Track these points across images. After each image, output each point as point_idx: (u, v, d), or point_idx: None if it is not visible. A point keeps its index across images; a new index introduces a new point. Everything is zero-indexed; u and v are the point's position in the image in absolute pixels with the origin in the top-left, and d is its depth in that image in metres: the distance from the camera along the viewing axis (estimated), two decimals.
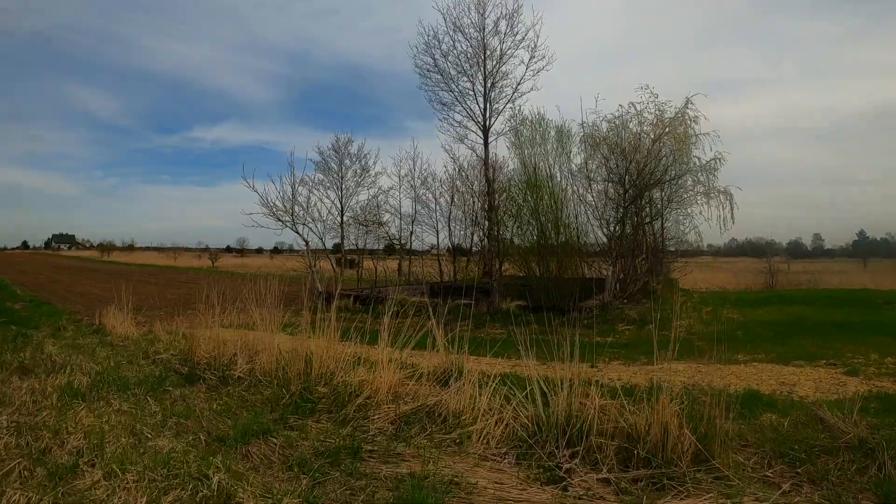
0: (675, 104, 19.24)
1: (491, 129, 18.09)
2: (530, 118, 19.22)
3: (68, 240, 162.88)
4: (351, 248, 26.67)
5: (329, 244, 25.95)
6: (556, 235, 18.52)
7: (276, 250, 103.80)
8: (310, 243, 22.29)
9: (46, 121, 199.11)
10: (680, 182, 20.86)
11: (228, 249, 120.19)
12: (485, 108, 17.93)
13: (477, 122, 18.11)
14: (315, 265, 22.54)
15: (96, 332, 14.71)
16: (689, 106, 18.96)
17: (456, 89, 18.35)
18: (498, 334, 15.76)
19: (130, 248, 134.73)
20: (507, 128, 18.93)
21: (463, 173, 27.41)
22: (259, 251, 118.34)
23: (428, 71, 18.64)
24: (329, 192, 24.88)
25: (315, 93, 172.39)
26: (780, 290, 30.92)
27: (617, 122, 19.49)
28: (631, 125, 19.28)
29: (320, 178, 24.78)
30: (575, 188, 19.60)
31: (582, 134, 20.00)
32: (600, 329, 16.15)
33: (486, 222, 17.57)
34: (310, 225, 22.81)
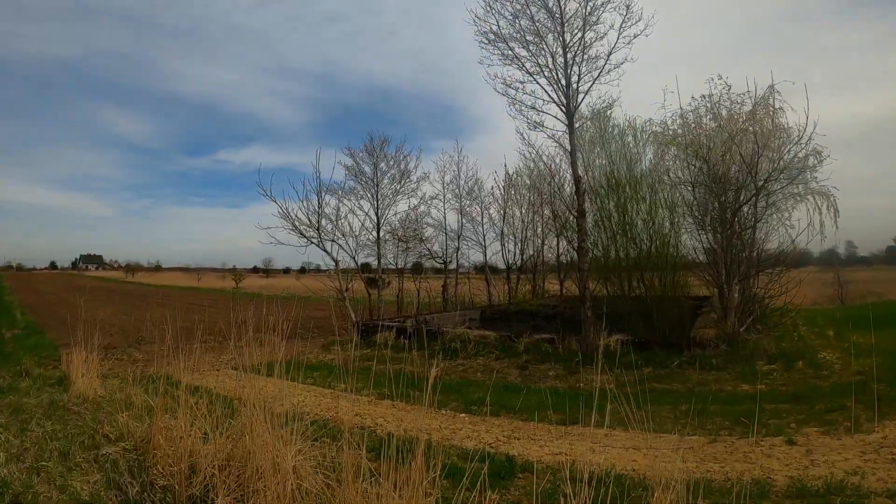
0: (755, 95, 14.78)
1: (576, 114, 13.59)
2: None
3: (96, 260, 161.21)
4: (389, 266, 22.28)
5: (361, 263, 21.65)
6: (654, 246, 13.99)
7: (302, 270, 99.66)
8: (340, 263, 17.95)
9: (78, 143, 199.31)
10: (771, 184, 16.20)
11: (255, 270, 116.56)
12: (567, 86, 13.43)
13: (559, 104, 13.63)
14: (348, 289, 18.11)
15: (60, 381, 11.25)
16: (775, 95, 14.36)
17: (530, 61, 13.90)
18: (603, 384, 11.20)
19: (157, 268, 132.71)
20: (598, 108, 14.42)
21: (532, 172, 23.08)
22: (286, 271, 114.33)
23: (492, 40, 14.06)
24: (362, 201, 20.53)
25: (342, 114, 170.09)
26: (879, 304, 26.16)
27: (691, 116, 15.07)
28: (705, 120, 14.85)
29: (351, 185, 20.49)
30: (660, 191, 15.13)
31: (650, 131, 15.60)
32: (738, 371, 11.58)
33: (577, 231, 13.06)
34: (339, 241, 18.46)
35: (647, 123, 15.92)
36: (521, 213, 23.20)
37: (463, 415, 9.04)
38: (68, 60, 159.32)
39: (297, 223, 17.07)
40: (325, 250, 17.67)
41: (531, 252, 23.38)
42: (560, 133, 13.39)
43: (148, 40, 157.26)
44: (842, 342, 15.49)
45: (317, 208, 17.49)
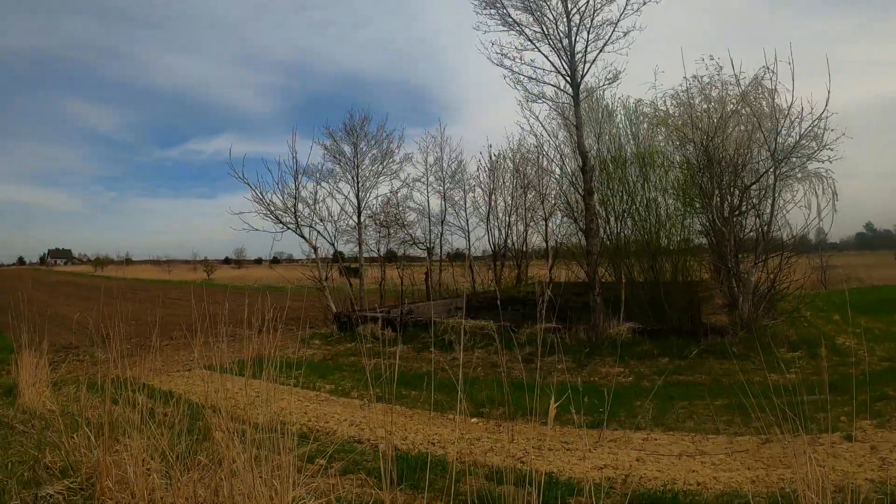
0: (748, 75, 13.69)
1: (581, 85, 12.16)
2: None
3: (65, 254, 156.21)
4: (371, 255, 20.81)
5: (345, 250, 20.17)
6: (664, 229, 12.77)
7: (275, 260, 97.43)
8: (318, 249, 16.45)
9: (46, 136, 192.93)
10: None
11: (227, 261, 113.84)
12: (571, 55, 12.02)
13: (564, 74, 12.20)
14: (328, 277, 16.64)
15: (8, 392, 9.69)
16: (769, 75, 13.25)
17: (530, 28, 12.44)
18: (619, 377, 9.99)
19: (127, 261, 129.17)
20: (603, 80, 12.99)
21: (516, 156, 21.70)
22: (258, 262, 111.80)
23: (490, 2, 12.51)
24: (341, 184, 19.02)
25: (314, 104, 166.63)
26: (865, 289, 25.46)
27: (683, 97, 13.91)
28: (696, 101, 13.73)
29: (330, 167, 18.94)
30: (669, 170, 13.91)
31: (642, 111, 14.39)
32: (760, 360, 10.46)
33: (585, 211, 11.69)
34: (318, 227, 16.96)
35: (639, 103, 14.76)
36: (504, 197, 21.90)
37: (474, 419, 7.72)
38: (35, 52, 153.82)
39: (272, 207, 15.56)
40: (303, 236, 16.18)
41: (514, 238, 22.11)
42: (564, 104, 12.12)
43: (117, 31, 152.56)
44: (853, 327, 14.54)
45: (293, 191, 15.96)
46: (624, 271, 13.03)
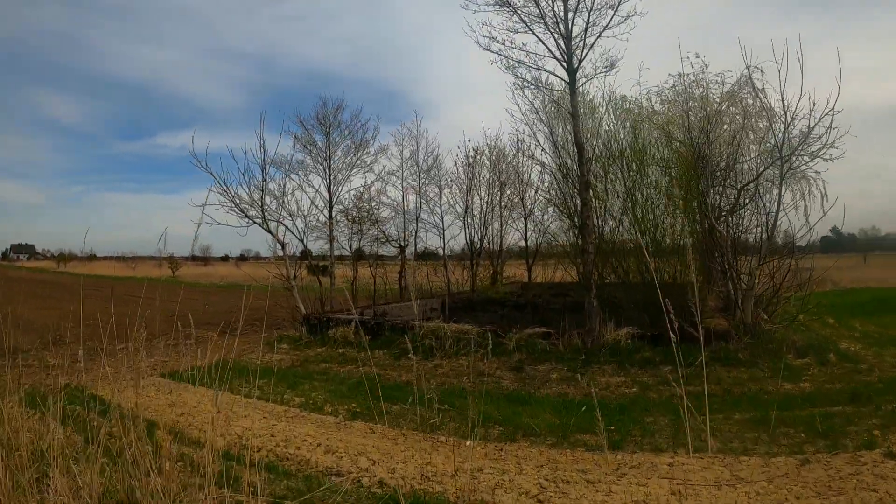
0: (735, 74, 12.92)
1: (578, 71, 11.02)
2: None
3: (27, 249, 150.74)
4: (343, 253, 19.50)
5: (314, 248, 18.87)
6: (664, 227, 11.74)
7: (242, 258, 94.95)
8: (287, 246, 15.16)
9: (7, 127, 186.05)
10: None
11: (194, 258, 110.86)
12: (568, 38, 10.79)
13: (559, 58, 11.02)
14: (296, 276, 15.36)
15: None
16: (757, 74, 12.48)
17: (522, 11, 11.21)
18: (621, 388, 8.98)
19: (91, 257, 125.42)
20: (600, 67, 11.70)
21: (492, 153, 20.54)
22: (225, 259, 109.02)
23: None
24: (312, 176, 17.72)
25: (283, 99, 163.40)
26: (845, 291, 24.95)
27: (669, 93, 13.07)
28: (692, 95, 12.90)
29: (300, 158, 17.63)
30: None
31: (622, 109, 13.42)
32: (770, 367, 9.60)
33: (580, 206, 10.50)
34: (286, 221, 15.67)
35: (623, 99, 13.78)
36: (481, 194, 20.73)
37: (469, 442, 6.58)
38: None
39: (236, 200, 14.23)
40: (270, 231, 14.82)
41: (491, 236, 20.96)
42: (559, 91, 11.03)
43: (83, 19, 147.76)
44: (850, 330, 13.80)
45: (260, 183, 14.61)
46: (619, 272, 12.02)
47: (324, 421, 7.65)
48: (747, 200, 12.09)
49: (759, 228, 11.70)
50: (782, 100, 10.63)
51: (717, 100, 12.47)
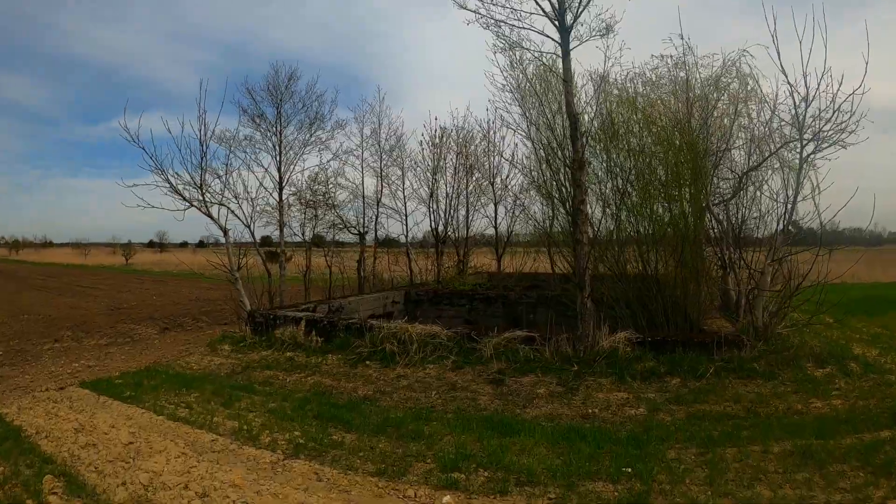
0: (720, 57, 11.85)
1: (572, 31, 9.11)
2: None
3: None
4: (294, 239, 17.35)
5: (260, 234, 16.79)
6: (670, 213, 9.92)
7: (201, 244, 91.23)
8: (230, 233, 13.06)
9: None
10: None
11: (151, 244, 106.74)
12: None
13: (550, 16, 8.97)
14: (240, 266, 13.30)
15: None
16: (747, 58, 11.05)
17: None
18: (625, 406, 7.28)
19: (46, 244, 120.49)
20: (595, 31, 9.61)
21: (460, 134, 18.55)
22: (183, 245, 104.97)
23: None
24: (262, 155, 15.59)
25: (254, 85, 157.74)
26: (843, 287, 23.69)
27: (653, 74, 11.45)
28: (663, 82, 11.31)
29: (248, 133, 15.48)
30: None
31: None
32: (791, 379, 8.01)
33: (573, 188, 8.54)
34: (230, 204, 13.58)
35: (605, 82, 11.99)
36: (446, 178, 18.74)
37: (447, 498, 4.77)
38: None
39: (172, 179, 12.09)
40: (210, 215, 12.72)
41: (457, 222, 18.98)
42: (551, 55, 9.12)
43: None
44: (855, 332, 12.35)
45: (200, 160, 12.46)
46: (607, 263, 10.26)
47: (258, 460, 5.76)
48: (749, 185, 10.49)
49: (769, 218, 10.07)
50: (804, 74, 9.02)
51: (717, 72, 10.86)
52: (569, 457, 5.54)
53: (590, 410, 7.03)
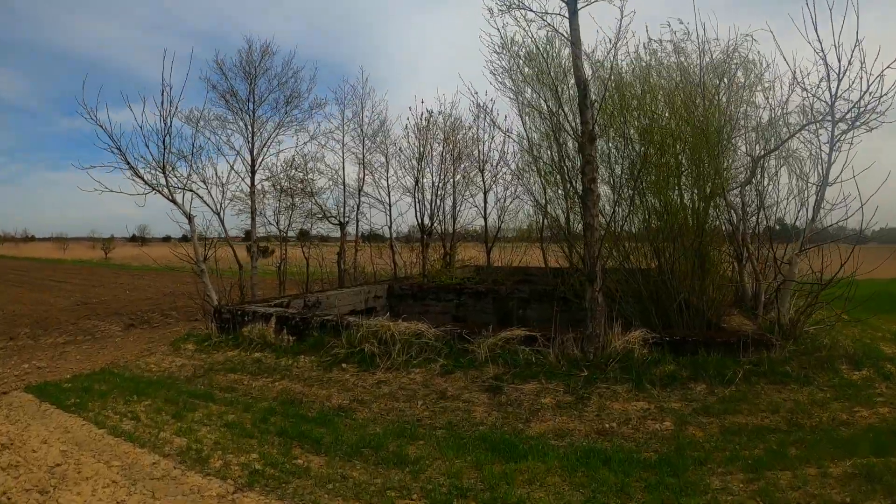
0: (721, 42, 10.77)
1: None
2: None
3: None
4: (269, 229, 15.92)
5: (232, 222, 15.48)
6: (693, 197, 8.65)
7: (184, 238, 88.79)
8: (195, 220, 11.71)
9: None
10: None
11: (133, 238, 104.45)
12: None
13: None
14: (206, 258, 11.98)
15: None
16: (749, 42, 9.98)
17: None
18: (647, 419, 6.09)
19: (28, 239, 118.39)
20: None
21: (447, 121, 17.19)
22: (166, 239, 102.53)
23: None
24: (234, 137, 14.23)
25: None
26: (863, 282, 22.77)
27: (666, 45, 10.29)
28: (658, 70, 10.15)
29: (220, 113, 14.09)
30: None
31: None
32: (828, 383, 6.86)
33: (583, 165, 7.20)
34: (199, 190, 12.26)
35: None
36: (433, 167, 17.33)
37: None
38: None
39: (130, 160, 10.73)
40: (174, 201, 11.35)
41: (444, 213, 17.62)
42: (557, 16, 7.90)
43: None
44: (875, 330, 11.26)
45: (162, 139, 11.07)
46: (616, 254, 9.03)
47: (202, 492, 4.56)
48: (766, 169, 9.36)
49: (787, 204, 8.92)
50: (835, 44, 7.88)
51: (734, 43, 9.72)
52: (591, 490, 4.36)
53: (606, 425, 5.85)
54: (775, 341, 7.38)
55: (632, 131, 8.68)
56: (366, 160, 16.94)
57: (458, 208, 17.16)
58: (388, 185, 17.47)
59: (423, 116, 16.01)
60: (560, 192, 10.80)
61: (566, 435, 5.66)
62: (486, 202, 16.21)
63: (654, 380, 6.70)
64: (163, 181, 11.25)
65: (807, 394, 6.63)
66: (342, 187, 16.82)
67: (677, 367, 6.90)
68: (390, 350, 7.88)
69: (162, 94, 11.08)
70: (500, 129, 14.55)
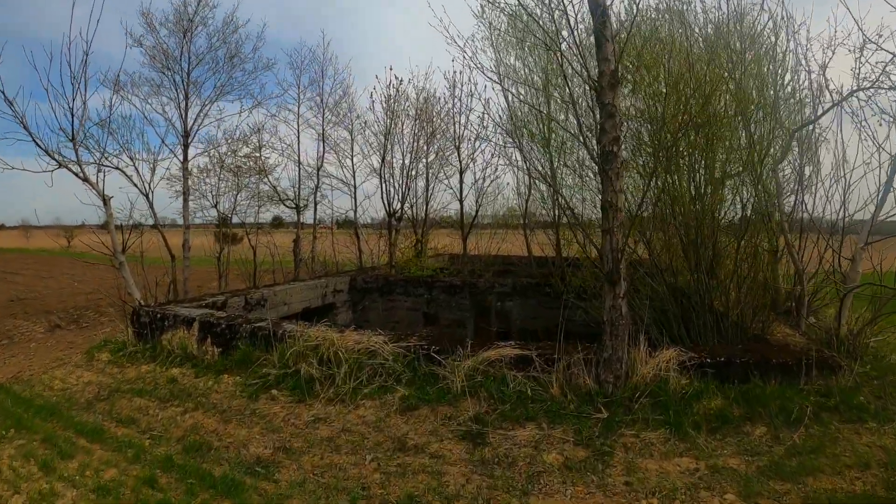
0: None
1: None
2: None
3: None
4: (211, 213, 13.59)
5: (164, 202, 13.32)
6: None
7: (153, 227, 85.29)
8: (111, 200, 9.43)
9: None
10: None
11: (103, 226, 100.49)
12: None
13: None
14: (125, 248, 9.80)
15: None
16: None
17: None
18: (699, 487, 4.07)
19: None
20: None
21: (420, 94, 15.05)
22: (137, 227, 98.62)
23: None
24: (169, 106, 11.95)
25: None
26: None
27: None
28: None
29: (149, 76, 11.81)
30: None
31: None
32: None
33: (601, 119, 5.26)
34: (126, 168, 10.06)
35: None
36: (403, 144, 15.08)
37: None
38: None
39: (28, 126, 8.46)
40: (86, 178, 9.08)
41: (416, 196, 15.41)
42: None
43: None
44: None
45: (70, 104, 8.79)
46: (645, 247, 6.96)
47: None
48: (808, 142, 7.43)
49: (831, 187, 6.95)
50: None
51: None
52: None
53: (638, 497, 3.88)
54: (839, 363, 5.47)
55: (662, 85, 6.61)
56: (326, 135, 14.67)
57: (430, 191, 14.97)
58: (353, 165, 15.25)
59: (392, 85, 13.76)
60: (570, 160, 8.63)
61: None
62: (461, 183, 14.06)
63: (698, 422, 4.71)
64: (73, 155, 9.00)
65: (893, 436, 4.74)
66: (297, 165, 14.56)
67: (725, 401, 4.93)
68: (334, 373, 5.80)
69: (69, 49, 8.80)
70: (485, 74, 12.31)
